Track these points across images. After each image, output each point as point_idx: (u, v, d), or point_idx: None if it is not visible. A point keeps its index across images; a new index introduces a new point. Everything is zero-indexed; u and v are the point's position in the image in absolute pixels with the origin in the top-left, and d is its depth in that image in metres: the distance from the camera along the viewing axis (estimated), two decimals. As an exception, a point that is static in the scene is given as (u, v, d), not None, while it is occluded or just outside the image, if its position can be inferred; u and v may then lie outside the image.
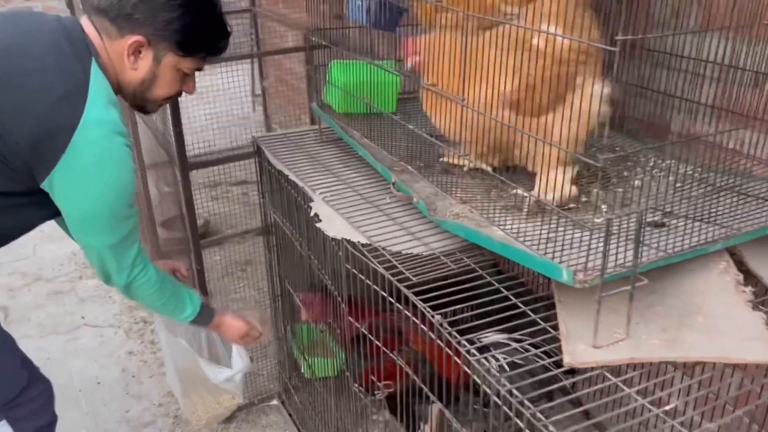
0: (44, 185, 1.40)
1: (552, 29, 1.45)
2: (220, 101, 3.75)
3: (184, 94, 1.64)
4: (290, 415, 2.54)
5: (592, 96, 1.44)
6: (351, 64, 1.88)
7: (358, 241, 1.49)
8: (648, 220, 1.36)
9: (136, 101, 1.57)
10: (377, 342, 1.58)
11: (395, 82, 1.94)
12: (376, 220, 1.59)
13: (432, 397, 1.42)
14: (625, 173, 1.66)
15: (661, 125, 1.86)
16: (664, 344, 1.12)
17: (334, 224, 1.58)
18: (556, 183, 1.41)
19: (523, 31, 1.45)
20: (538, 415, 1.00)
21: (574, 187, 1.45)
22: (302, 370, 2.20)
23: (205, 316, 1.76)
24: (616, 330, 1.15)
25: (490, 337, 1.58)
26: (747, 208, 1.31)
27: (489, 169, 1.59)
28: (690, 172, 1.57)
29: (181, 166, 2.14)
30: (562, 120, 1.40)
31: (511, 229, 1.35)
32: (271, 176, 2.10)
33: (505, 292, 1.30)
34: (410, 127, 1.66)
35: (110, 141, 1.38)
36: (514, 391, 1.04)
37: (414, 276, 1.35)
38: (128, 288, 1.56)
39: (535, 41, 1.46)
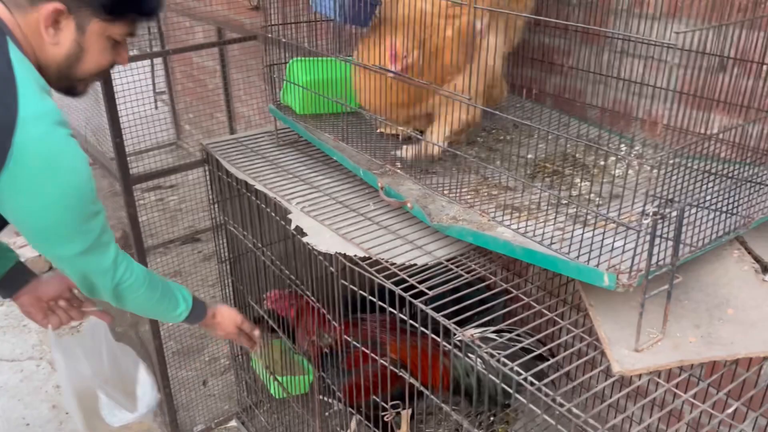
0: None
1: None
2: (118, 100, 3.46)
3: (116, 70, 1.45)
4: (253, 436, 2.39)
5: (488, 49, 1.52)
6: (314, 62, 1.75)
7: (355, 255, 1.39)
8: (650, 211, 1.35)
9: (62, 83, 1.32)
10: (366, 351, 1.50)
11: (359, 79, 1.83)
12: (368, 230, 1.48)
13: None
14: (601, 162, 1.65)
15: (625, 112, 1.88)
16: (701, 341, 1.11)
17: (323, 237, 1.46)
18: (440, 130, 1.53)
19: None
20: (539, 385, 1.02)
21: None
22: (271, 391, 2.06)
23: (198, 310, 1.58)
24: (651, 330, 1.13)
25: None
26: (750, 194, 1.32)
27: (417, 133, 1.61)
28: (674, 160, 1.58)
29: (124, 181, 1.92)
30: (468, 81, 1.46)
31: (518, 228, 1.30)
32: (223, 184, 1.94)
33: (525, 299, 1.25)
34: (376, 116, 1.59)
35: (54, 134, 1.17)
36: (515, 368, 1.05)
37: (428, 289, 1.26)
38: (116, 292, 1.37)
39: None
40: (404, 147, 1.63)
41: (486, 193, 1.51)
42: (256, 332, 1.77)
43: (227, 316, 1.68)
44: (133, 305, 1.45)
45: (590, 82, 1.90)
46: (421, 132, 1.66)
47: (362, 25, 1.60)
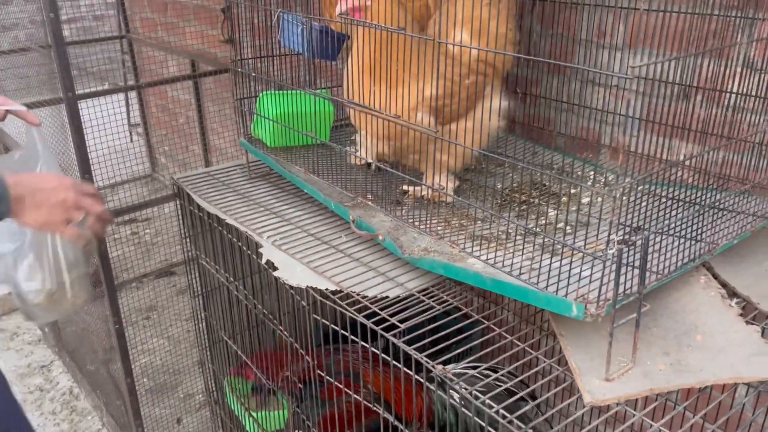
0: None
1: (460, 35, 1.47)
2: (91, 133, 3.45)
3: None
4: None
5: (491, 110, 1.50)
6: (283, 95, 1.75)
7: (327, 288, 1.38)
8: (615, 240, 1.36)
9: None
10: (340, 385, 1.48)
11: (329, 112, 1.85)
12: (340, 263, 1.48)
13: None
14: (572, 190, 1.67)
15: (593, 139, 1.91)
16: (670, 369, 1.11)
17: (294, 271, 1.45)
18: (441, 183, 1.52)
19: (440, 34, 1.50)
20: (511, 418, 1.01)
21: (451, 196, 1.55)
22: (247, 427, 2.03)
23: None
24: (621, 358, 1.13)
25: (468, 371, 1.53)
26: (714, 220, 1.34)
27: (386, 166, 1.57)
28: (637, 185, 1.60)
29: (93, 216, 1.90)
30: (465, 131, 1.45)
31: (488, 259, 1.30)
32: (195, 218, 1.92)
33: (498, 329, 1.25)
34: (348, 149, 1.59)
35: None
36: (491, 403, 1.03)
37: (400, 321, 1.26)
38: None
39: (450, 45, 1.47)
40: (410, 188, 1.62)
41: (457, 224, 1.51)
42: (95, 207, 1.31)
43: (43, 182, 1.23)
44: None
45: (558, 111, 1.93)
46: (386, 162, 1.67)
47: (330, 59, 1.62)
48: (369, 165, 1.66)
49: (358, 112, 1.52)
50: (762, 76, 1.49)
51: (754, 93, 1.50)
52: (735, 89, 1.54)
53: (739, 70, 1.54)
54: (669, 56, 1.59)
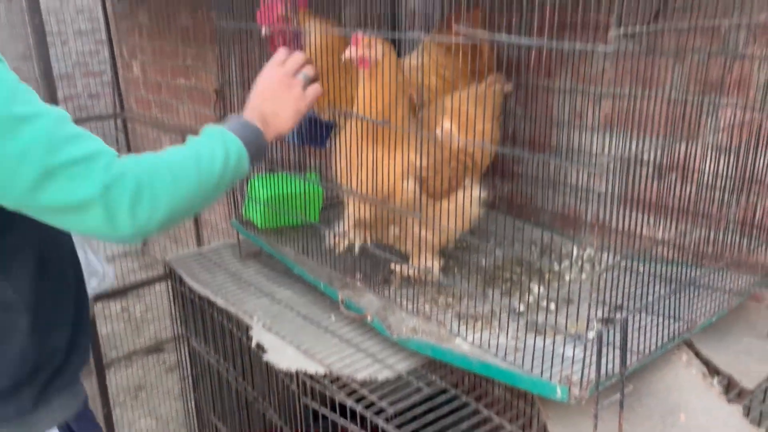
0: None
1: (448, 125, 1.55)
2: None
3: None
4: None
5: (471, 198, 1.54)
6: (273, 178, 1.81)
7: (316, 372, 1.39)
8: (595, 323, 1.39)
9: None
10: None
11: (319, 193, 1.90)
12: (329, 344, 1.49)
13: None
14: (555, 267, 1.71)
15: (574, 216, 1.97)
16: (657, 449, 1.13)
17: (284, 354, 1.46)
18: (427, 265, 1.55)
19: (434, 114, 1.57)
20: None
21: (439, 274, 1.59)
22: None
23: (248, 129, 1.19)
24: (608, 439, 1.15)
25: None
26: (692, 297, 1.38)
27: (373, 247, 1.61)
28: (618, 262, 1.65)
29: (84, 299, 1.92)
30: (448, 213, 1.48)
31: (474, 341, 1.33)
32: (186, 300, 1.94)
33: (485, 412, 1.26)
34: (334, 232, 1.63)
35: None
36: None
37: (389, 405, 1.27)
38: (139, 195, 0.96)
39: (438, 130, 1.55)
40: (397, 267, 1.62)
41: (444, 303, 1.54)
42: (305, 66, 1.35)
43: (266, 88, 1.27)
44: (179, 199, 1.02)
45: (540, 188, 2.00)
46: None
47: (319, 146, 1.68)
48: (351, 249, 1.69)
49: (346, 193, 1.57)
50: (730, 156, 1.56)
51: (723, 173, 1.57)
52: (706, 169, 1.61)
53: (708, 151, 1.62)
54: (643, 138, 1.67)
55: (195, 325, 1.95)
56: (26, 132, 0.89)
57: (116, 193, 0.94)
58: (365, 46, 1.41)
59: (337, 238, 1.65)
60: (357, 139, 1.50)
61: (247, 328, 1.59)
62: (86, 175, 0.92)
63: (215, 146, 1.10)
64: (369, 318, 1.48)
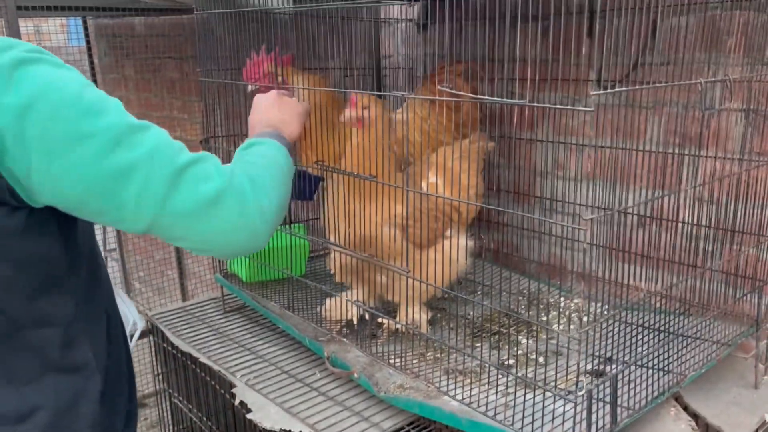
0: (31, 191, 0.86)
1: (433, 179, 1.58)
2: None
3: None
4: None
5: (458, 246, 1.55)
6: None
7: (300, 431, 1.36)
8: (588, 369, 1.38)
9: None
10: None
11: (305, 245, 1.89)
12: (314, 402, 1.46)
13: None
14: (544, 318, 1.70)
15: (561, 266, 1.97)
16: None
17: (267, 413, 1.43)
18: (415, 318, 1.55)
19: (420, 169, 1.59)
20: None
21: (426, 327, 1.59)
22: None
23: (280, 139, 1.23)
24: (600, 499, 1.12)
25: None
26: (680, 349, 1.37)
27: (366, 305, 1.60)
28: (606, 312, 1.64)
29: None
30: (435, 262, 1.49)
31: (463, 398, 1.31)
32: (168, 355, 1.90)
33: (475, 471, 1.23)
34: (322, 287, 1.61)
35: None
36: None
37: (376, 467, 1.24)
38: (253, 182, 0.98)
39: (423, 184, 1.57)
40: (385, 322, 1.61)
41: (432, 357, 1.52)
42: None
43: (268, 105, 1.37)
44: (274, 195, 1.03)
45: (525, 238, 2.00)
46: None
47: (307, 199, 1.68)
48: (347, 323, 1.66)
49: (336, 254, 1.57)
50: (712, 207, 1.58)
51: (704, 223, 1.59)
52: (688, 220, 1.63)
53: (690, 202, 1.64)
54: (626, 189, 1.69)
55: (177, 380, 1.91)
56: (148, 138, 0.89)
57: (238, 180, 0.94)
58: (361, 107, 1.45)
59: (331, 313, 1.64)
60: (344, 192, 1.52)
61: (231, 386, 1.56)
62: (207, 170, 0.92)
63: (263, 145, 1.15)
64: (355, 375, 1.46)
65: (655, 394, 1.24)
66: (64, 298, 0.98)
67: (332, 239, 1.58)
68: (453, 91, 1.17)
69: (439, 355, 1.53)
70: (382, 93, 2.01)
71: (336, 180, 1.55)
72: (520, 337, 1.59)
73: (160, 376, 1.97)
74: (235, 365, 1.63)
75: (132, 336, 1.98)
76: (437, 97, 1.64)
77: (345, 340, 1.59)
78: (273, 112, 1.35)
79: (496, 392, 1.30)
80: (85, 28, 4.01)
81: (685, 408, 1.33)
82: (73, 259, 0.98)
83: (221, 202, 0.91)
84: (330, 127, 1.58)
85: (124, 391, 1.14)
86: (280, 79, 1.57)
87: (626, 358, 1.31)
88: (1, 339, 0.94)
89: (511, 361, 1.48)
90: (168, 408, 2.02)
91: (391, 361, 1.48)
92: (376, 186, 1.47)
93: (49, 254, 0.94)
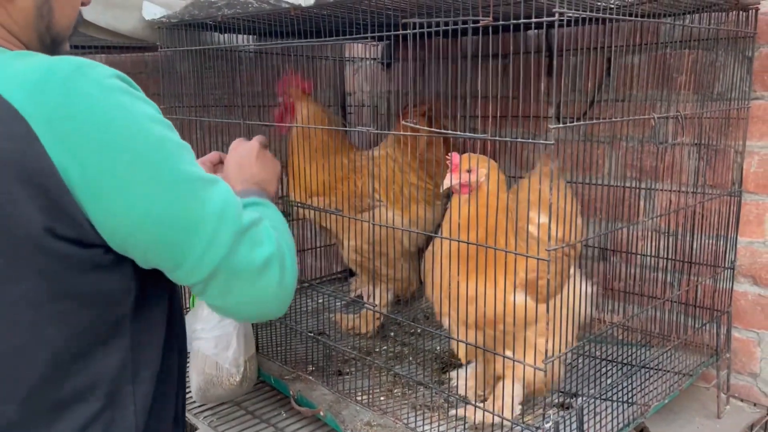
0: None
1: (544, 219, 1.38)
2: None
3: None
4: None
5: (581, 293, 1.32)
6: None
7: (266, 474, 1.32)
8: (552, 415, 1.37)
9: (46, 43, 0.97)
10: None
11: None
12: (280, 443, 1.43)
13: None
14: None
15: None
16: None
17: (232, 456, 1.39)
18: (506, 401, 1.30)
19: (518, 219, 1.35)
20: None
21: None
22: None
23: (262, 196, 1.22)
24: None
25: None
26: (643, 380, 1.39)
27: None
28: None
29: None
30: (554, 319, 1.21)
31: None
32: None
33: None
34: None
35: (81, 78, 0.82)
36: None
37: None
38: (291, 251, 1.00)
39: (532, 228, 1.37)
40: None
41: (399, 393, 1.51)
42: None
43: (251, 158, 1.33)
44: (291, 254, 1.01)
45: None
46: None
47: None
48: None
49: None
50: (668, 239, 1.62)
51: (662, 255, 1.63)
52: (647, 251, 1.67)
53: (648, 233, 1.68)
54: (586, 221, 1.73)
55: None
56: (218, 193, 0.89)
57: (281, 250, 0.95)
58: (466, 171, 1.25)
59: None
60: (449, 266, 1.27)
61: (193, 428, 1.52)
62: (261, 234, 0.93)
63: (269, 208, 1.14)
64: (321, 413, 1.43)
65: (620, 426, 1.25)
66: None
67: (445, 323, 1.37)
68: (416, 126, 1.18)
69: (407, 392, 1.51)
70: (347, 128, 2.03)
71: (438, 253, 1.31)
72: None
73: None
74: (198, 406, 1.59)
75: None
76: (401, 132, 1.66)
77: (311, 377, 1.56)
78: (256, 168, 1.33)
79: (464, 428, 1.29)
80: (46, 65, 3.96)
81: (650, 439, 1.34)
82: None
83: (268, 270, 0.92)
84: (321, 160, 1.64)
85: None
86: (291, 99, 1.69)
87: (591, 391, 1.32)
88: None
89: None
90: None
91: (358, 398, 1.46)
92: (486, 254, 1.24)
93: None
